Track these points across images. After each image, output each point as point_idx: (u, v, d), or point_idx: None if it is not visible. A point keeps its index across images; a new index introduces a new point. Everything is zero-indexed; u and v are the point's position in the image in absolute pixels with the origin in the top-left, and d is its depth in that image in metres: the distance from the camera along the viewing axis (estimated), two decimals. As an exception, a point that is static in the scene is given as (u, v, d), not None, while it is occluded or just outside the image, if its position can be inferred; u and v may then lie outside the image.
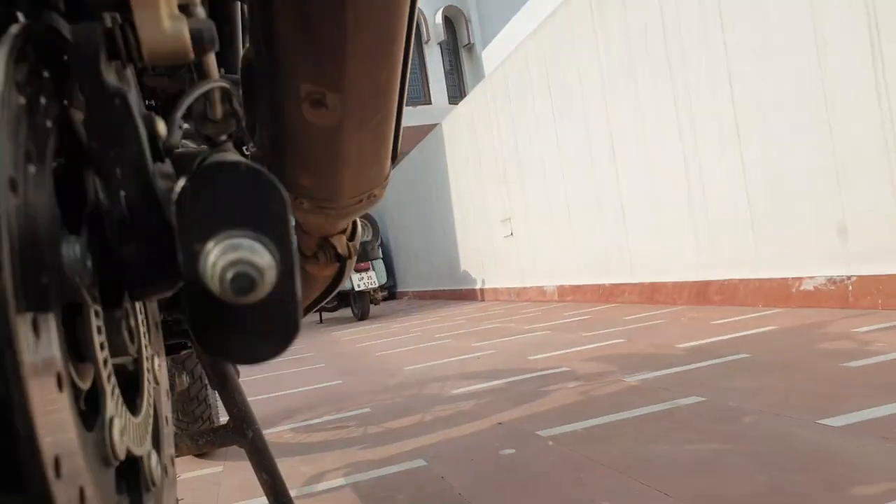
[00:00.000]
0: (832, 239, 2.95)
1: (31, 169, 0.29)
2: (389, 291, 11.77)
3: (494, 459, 1.49)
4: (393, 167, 0.75)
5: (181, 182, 0.35)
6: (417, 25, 14.18)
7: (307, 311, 1.06)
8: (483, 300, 7.42)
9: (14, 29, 0.30)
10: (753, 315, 3.10)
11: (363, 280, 6.72)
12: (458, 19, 16.26)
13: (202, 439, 1.03)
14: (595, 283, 5.06)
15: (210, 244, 0.33)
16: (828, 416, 1.40)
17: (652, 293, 4.32)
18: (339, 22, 0.51)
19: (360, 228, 0.93)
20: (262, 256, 0.33)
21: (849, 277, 2.86)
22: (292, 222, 0.35)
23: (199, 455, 1.97)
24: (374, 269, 6.85)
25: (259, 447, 1.01)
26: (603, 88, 4.54)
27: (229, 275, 0.32)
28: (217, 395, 1.97)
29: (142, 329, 0.45)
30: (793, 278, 3.16)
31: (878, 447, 1.19)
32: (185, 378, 1.11)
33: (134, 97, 0.38)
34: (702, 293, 3.83)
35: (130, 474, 0.40)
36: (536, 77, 5.47)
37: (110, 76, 0.38)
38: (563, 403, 1.91)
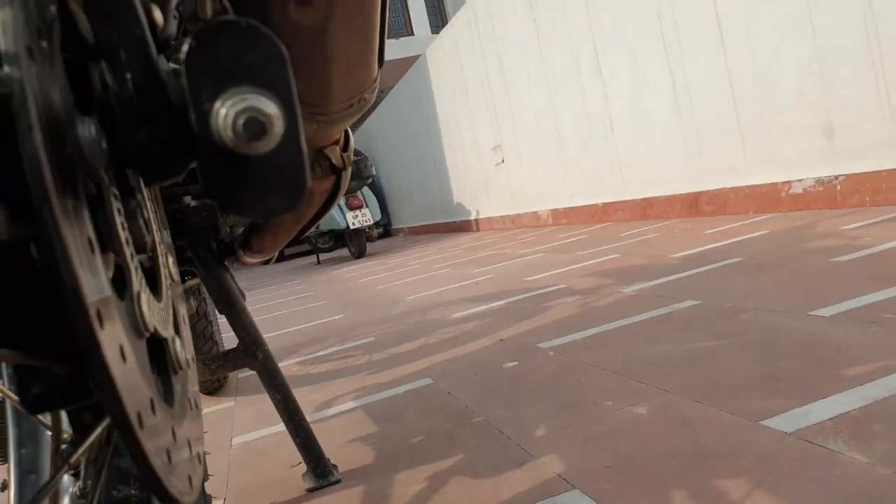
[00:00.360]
0: (819, 140, 2.95)
1: (44, 45, 0.29)
2: (384, 229, 11.78)
3: (498, 372, 1.54)
4: (379, 71, 0.75)
5: (187, 42, 0.36)
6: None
7: (308, 227, 1.07)
8: (478, 230, 7.45)
9: None
10: (745, 222, 3.13)
11: (357, 217, 6.70)
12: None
13: (214, 363, 1.06)
14: (588, 204, 5.08)
15: (218, 102, 0.36)
16: (818, 308, 1.44)
17: (644, 209, 4.35)
18: None
19: (352, 139, 0.94)
20: (269, 106, 0.36)
21: (836, 177, 2.88)
22: (293, 77, 0.38)
23: (210, 393, 2.02)
24: (367, 206, 6.83)
25: (270, 367, 1.04)
26: (587, 4, 4.44)
27: (241, 120, 0.35)
28: (221, 339, 2.01)
29: (154, 225, 0.47)
30: (782, 182, 3.18)
31: (865, 331, 1.23)
32: (193, 302, 1.14)
33: None
34: (693, 205, 3.85)
35: (159, 357, 0.42)
36: (517, -3, 5.34)
37: None
38: (562, 317, 1.95)
